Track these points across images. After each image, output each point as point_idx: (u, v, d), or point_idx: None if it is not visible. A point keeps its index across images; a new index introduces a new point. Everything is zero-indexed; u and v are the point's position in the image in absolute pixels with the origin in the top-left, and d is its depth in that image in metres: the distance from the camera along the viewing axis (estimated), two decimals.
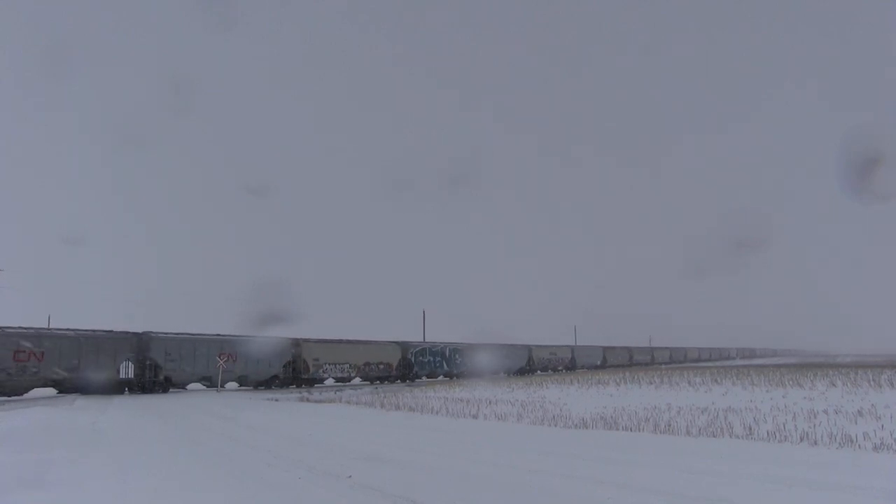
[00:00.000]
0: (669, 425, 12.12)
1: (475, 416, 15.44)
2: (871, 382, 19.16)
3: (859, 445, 9.21)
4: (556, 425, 13.24)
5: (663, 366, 60.98)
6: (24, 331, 24.87)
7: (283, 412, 18.73)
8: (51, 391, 25.39)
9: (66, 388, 25.59)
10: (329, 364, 33.58)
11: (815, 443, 9.60)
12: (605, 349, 60.97)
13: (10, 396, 23.96)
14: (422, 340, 40.76)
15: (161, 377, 27.80)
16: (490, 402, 18.81)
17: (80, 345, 25.81)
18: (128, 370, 27.28)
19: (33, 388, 24.84)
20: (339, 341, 35.14)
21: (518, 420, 14.47)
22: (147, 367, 27.43)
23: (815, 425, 11.26)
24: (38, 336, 25.05)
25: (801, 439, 9.93)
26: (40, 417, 16.85)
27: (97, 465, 9.01)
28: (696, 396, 18.07)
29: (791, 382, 20.55)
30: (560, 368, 51.21)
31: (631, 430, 11.99)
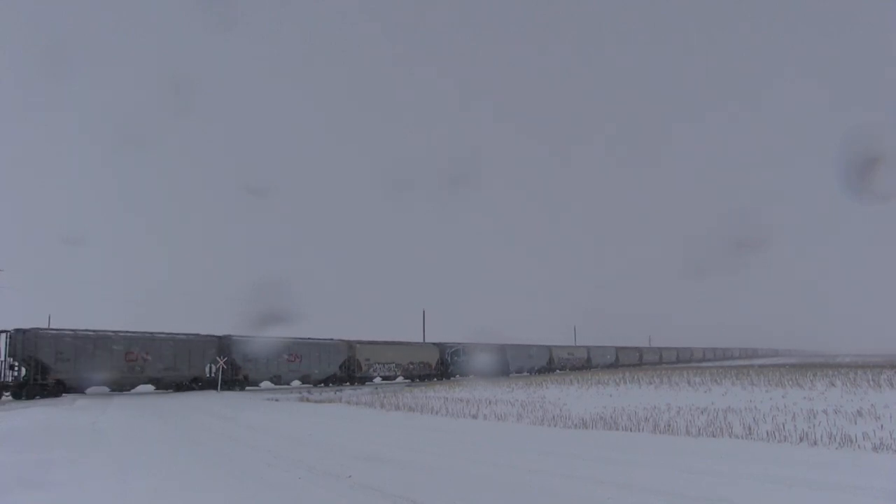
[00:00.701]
0: (669, 425, 12.13)
1: (475, 416, 15.44)
2: (871, 382, 19.16)
3: (859, 445, 9.22)
4: (555, 425, 13.25)
5: (671, 365, 63.21)
6: (133, 335, 27.46)
7: (283, 412, 18.73)
8: (149, 387, 28.37)
9: (163, 385, 28.51)
10: (377, 364, 36.66)
11: (815, 443, 9.60)
12: (618, 349, 64.08)
13: (121, 391, 27.14)
14: (457, 342, 43.02)
15: (240, 376, 30.75)
16: (490, 403, 18.82)
17: (176, 347, 28.64)
18: (212, 369, 30.01)
19: (139, 384, 27.71)
20: (386, 343, 38.08)
21: (518, 420, 14.47)
22: (229, 367, 30.16)
23: (814, 425, 11.26)
24: (144, 340, 27.67)
25: (801, 439, 9.93)
26: (40, 417, 16.86)
27: (97, 465, 9.02)
28: (696, 396, 18.07)
29: (790, 382, 20.55)
30: (577, 367, 53.59)
31: (631, 430, 12.00)
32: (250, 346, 30.80)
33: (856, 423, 11.34)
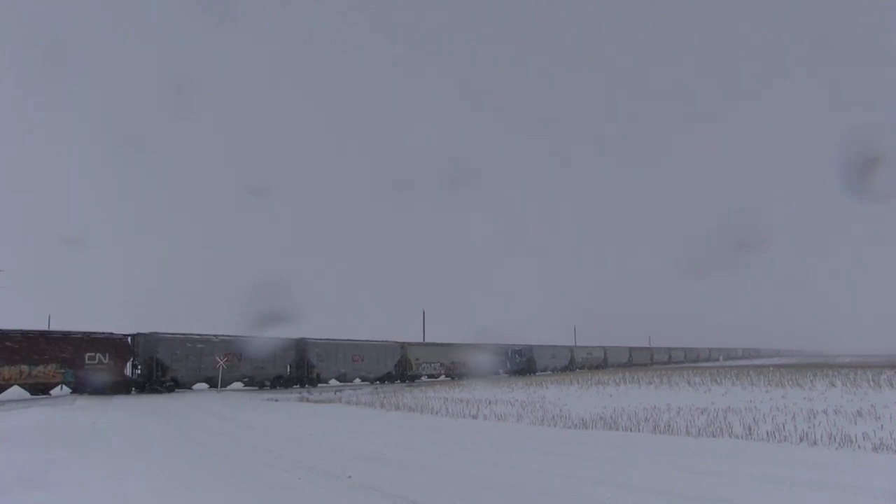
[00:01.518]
0: (669, 425, 12.13)
1: (475, 417, 15.44)
2: (871, 383, 19.16)
3: (859, 446, 9.22)
4: (555, 425, 13.24)
5: (680, 364, 66.35)
6: (230, 338, 30.38)
7: (283, 412, 18.72)
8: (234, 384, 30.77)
9: (253, 382, 31.50)
10: (425, 363, 40.06)
11: (815, 443, 9.60)
12: (631, 349, 68.09)
13: (219, 388, 29.38)
14: (496, 343, 46.32)
15: (314, 374, 33.76)
16: (490, 403, 18.81)
17: (263, 349, 31.07)
18: (290, 369, 33.18)
19: (234, 381, 30.57)
20: (433, 344, 42.05)
21: (518, 420, 14.47)
22: (304, 366, 33.49)
23: (814, 425, 11.26)
24: (238, 342, 30.52)
25: (801, 439, 9.93)
26: (40, 417, 16.85)
27: (97, 465, 9.02)
28: (696, 397, 18.07)
29: (790, 383, 20.55)
30: (595, 366, 56.96)
31: (630, 430, 12.00)
32: (322, 347, 34.63)
33: (856, 424, 11.34)
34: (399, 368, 38.11)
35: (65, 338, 25.42)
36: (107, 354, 26.30)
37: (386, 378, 37.39)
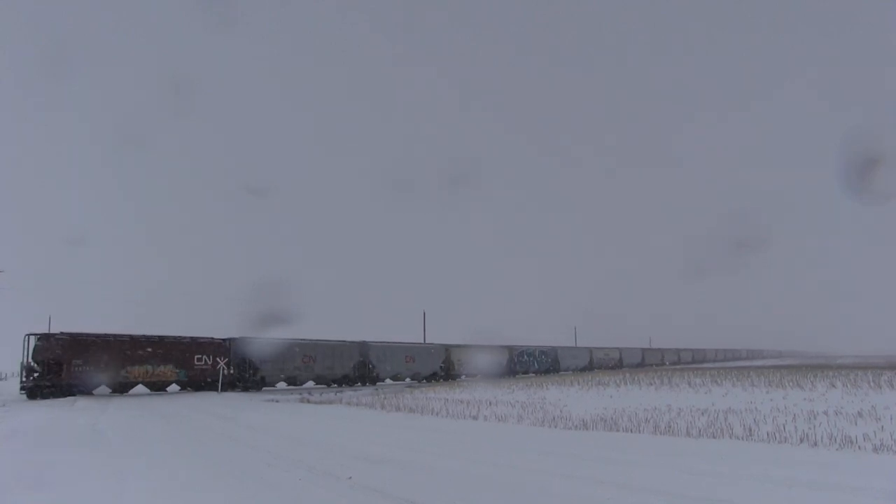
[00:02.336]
0: (669, 426, 12.12)
1: (475, 418, 15.43)
2: (872, 384, 19.14)
3: (859, 447, 9.20)
4: (556, 426, 13.23)
5: (687, 365, 69.60)
6: (306, 341, 33.81)
7: (283, 413, 18.72)
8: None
9: (323, 381, 34.79)
10: (465, 363, 43.43)
11: (815, 444, 9.59)
12: (644, 350, 72.32)
13: (297, 386, 33.39)
14: (521, 345, 50.25)
15: (374, 374, 37.19)
16: (490, 404, 18.80)
17: (332, 351, 35.34)
18: (354, 369, 36.36)
19: (308, 381, 34.02)
20: (471, 346, 44.79)
21: (518, 421, 14.46)
22: (366, 366, 36.85)
23: (815, 426, 11.25)
24: (313, 345, 34.23)
25: (801, 440, 9.92)
26: (40, 418, 16.87)
27: (97, 466, 9.02)
28: (696, 398, 18.05)
29: (791, 384, 20.53)
30: (611, 366, 60.79)
31: (631, 431, 11.99)
32: (381, 349, 38.14)
33: (856, 425, 11.33)
34: (444, 368, 42.21)
35: (178, 342, 29.13)
36: (210, 356, 29.86)
37: (432, 377, 41.17)
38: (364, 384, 36.10)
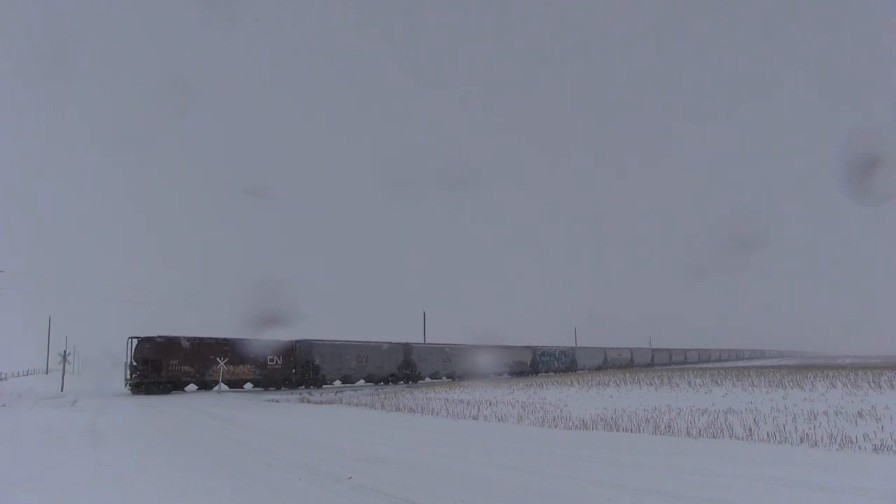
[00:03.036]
0: (669, 426, 12.11)
1: (475, 418, 15.43)
2: (872, 384, 19.13)
3: (859, 447, 9.20)
4: (556, 426, 13.23)
5: (693, 365, 72.04)
6: (358, 343, 37.06)
7: (283, 413, 18.72)
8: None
9: (373, 379, 37.46)
10: (495, 363, 46.46)
11: (815, 444, 9.59)
12: (654, 350, 75.25)
13: (351, 384, 36.36)
14: (544, 345, 53.89)
15: (417, 372, 40.03)
16: (490, 404, 18.80)
17: (382, 351, 38.38)
18: (399, 368, 39.35)
19: (360, 379, 36.95)
20: (499, 347, 47.72)
21: (518, 421, 14.46)
22: (410, 366, 39.69)
23: (815, 426, 11.25)
24: (364, 346, 37.43)
25: (801, 440, 9.92)
26: (40, 418, 16.87)
27: (97, 466, 9.02)
28: (697, 398, 18.05)
29: (791, 384, 20.52)
30: (623, 365, 63.30)
31: (631, 431, 11.99)
32: (423, 350, 41.88)
33: (856, 425, 11.32)
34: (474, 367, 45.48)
35: (253, 344, 31.12)
36: (280, 357, 32.65)
37: (462, 375, 43.78)
38: (407, 382, 38.97)
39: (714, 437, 10.78)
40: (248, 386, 31.90)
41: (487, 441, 11.47)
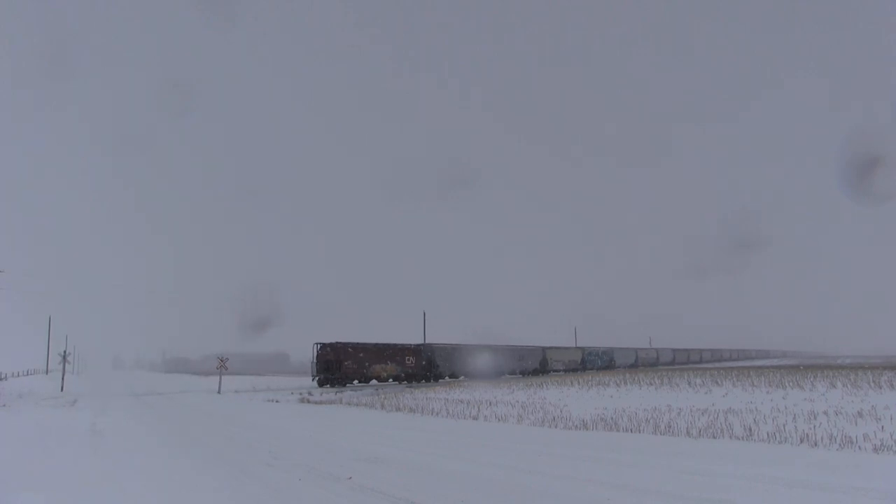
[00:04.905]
0: (669, 426, 12.11)
1: (475, 418, 15.43)
2: (872, 384, 19.13)
3: (859, 447, 9.20)
4: (556, 426, 13.23)
5: (698, 364, 75.26)
6: (463, 345, 44.09)
7: (284, 413, 18.72)
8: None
9: (470, 375, 42.16)
10: (555, 361, 53.65)
11: (815, 444, 9.59)
12: (675, 350, 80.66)
13: (455, 378, 42.08)
14: (594, 346, 61.63)
15: (548, 368, 50.01)
16: (490, 404, 18.80)
17: (521, 352, 48.87)
18: (538, 364, 49.69)
19: (461, 375, 42.76)
20: (560, 348, 56.15)
21: (518, 421, 14.46)
22: (546, 362, 49.71)
23: (815, 426, 11.24)
24: (466, 348, 43.76)
25: (801, 440, 9.92)
26: (40, 418, 16.88)
27: (97, 466, 9.02)
28: (697, 398, 18.05)
29: (791, 384, 20.52)
30: (628, 365, 67.27)
31: (631, 431, 11.98)
32: (505, 350, 47.67)
33: (856, 425, 11.32)
34: (542, 365, 51.91)
35: (395, 347, 39.41)
36: (413, 357, 40.08)
37: (531, 372, 49.82)
38: (536, 375, 46.19)
39: (714, 437, 10.77)
40: (390, 381, 38.61)
41: (487, 441, 11.46)
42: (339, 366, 35.34)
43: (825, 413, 13.12)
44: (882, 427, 10.90)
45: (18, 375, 58.34)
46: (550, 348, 54.82)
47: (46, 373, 59.19)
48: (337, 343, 36.25)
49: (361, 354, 36.93)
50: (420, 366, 40.39)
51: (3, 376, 51.60)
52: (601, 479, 7.48)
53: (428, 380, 40.56)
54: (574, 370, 55.34)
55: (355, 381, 36.43)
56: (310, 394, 28.62)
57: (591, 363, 59.72)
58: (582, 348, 60.32)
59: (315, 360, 35.76)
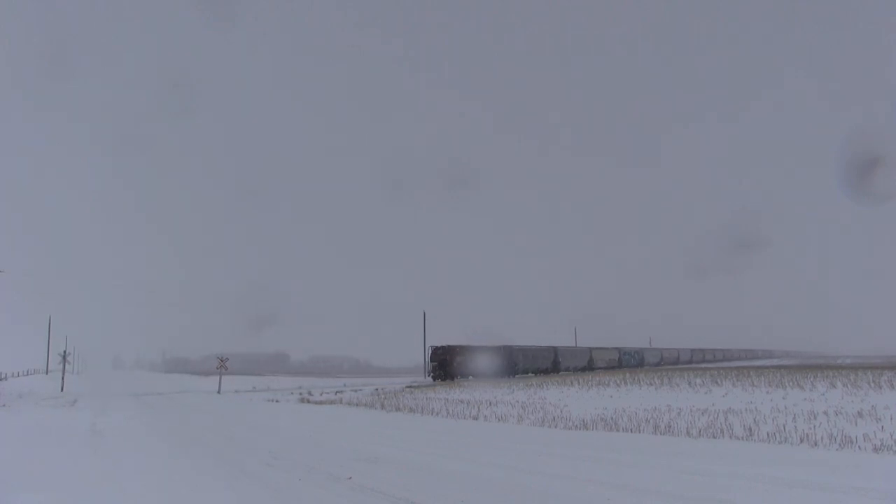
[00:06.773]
0: (669, 426, 12.11)
1: (475, 418, 15.43)
2: (872, 384, 19.12)
3: (859, 447, 9.20)
4: (556, 426, 13.23)
5: (705, 364, 75.86)
6: (552, 347, 50.57)
7: (284, 413, 18.73)
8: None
9: (538, 371, 46.65)
10: (599, 359, 58.25)
11: (816, 444, 9.59)
12: (693, 350, 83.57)
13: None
14: (630, 346, 66.13)
15: (559, 366, 50.62)
16: (490, 404, 18.80)
17: (580, 352, 54.95)
18: (587, 363, 54.56)
19: (565, 370, 48.31)
20: (602, 348, 60.63)
21: (518, 421, 14.46)
22: (555, 362, 50.78)
23: (815, 426, 11.24)
24: (562, 350, 51.18)
25: (802, 440, 9.92)
26: (40, 418, 16.88)
27: (96, 466, 9.02)
28: (697, 398, 18.04)
29: (791, 384, 20.51)
30: (654, 364, 70.63)
31: (631, 431, 11.98)
32: (567, 351, 53.00)
33: (856, 425, 11.31)
34: (588, 363, 55.88)
35: (487, 348, 43.04)
36: (500, 356, 43.28)
37: (579, 369, 52.92)
38: (556, 373, 49.13)
39: (714, 437, 10.77)
40: (483, 376, 41.03)
41: (487, 441, 11.46)
42: (449, 364, 40.33)
43: (825, 413, 13.12)
44: (882, 427, 10.90)
45: (18, 375, 58.32)
46: (598, 349, 60.55)
47: (46, 373, 59.19)
48: (447, 346, 42.20)
49: (463, 354, 42.04)
50: (504, 364, 44.37)
51: (3, 376, 51.58)
52: (601, 479, 7.48)
53: (507, 376, 43.89)
54: (613, 368, 59.92)
55: (457, 377, 40.48)
56: (310, 394, 28.63)
57: (627, 362, 64.85)
58: (619, 348, 65.42)
59: (428, 360, 42.50)
